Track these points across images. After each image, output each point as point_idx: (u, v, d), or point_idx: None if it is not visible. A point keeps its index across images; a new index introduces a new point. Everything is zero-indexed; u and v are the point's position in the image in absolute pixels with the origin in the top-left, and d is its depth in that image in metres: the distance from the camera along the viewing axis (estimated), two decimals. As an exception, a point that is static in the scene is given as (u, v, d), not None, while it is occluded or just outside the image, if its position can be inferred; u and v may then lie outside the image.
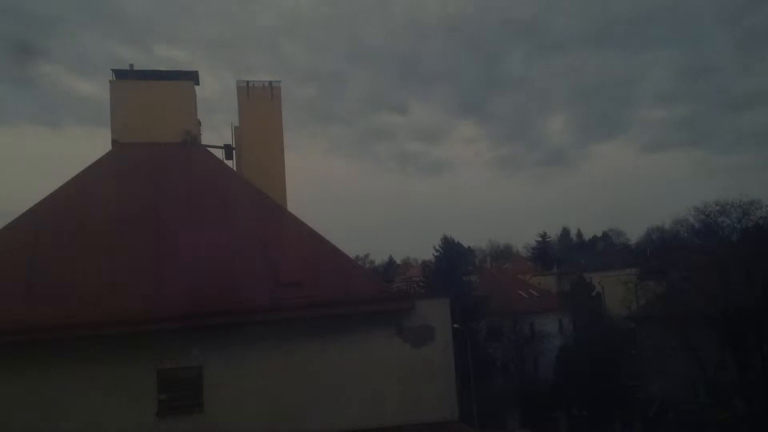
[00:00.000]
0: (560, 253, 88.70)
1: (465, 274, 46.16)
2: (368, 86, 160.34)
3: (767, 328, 23.72)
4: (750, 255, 24.52)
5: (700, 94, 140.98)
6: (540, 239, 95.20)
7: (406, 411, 12.44)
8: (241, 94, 18.79)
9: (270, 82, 19.07)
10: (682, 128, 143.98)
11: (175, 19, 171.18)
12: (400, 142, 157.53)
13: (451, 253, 47.56)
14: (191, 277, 12.69)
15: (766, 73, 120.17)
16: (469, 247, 71.83)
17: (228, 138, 19.34)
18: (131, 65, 18.22)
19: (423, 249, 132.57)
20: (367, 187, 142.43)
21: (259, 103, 18.79)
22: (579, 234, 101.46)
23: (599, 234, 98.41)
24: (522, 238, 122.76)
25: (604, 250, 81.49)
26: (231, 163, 18.67)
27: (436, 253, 48.96)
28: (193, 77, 18.59)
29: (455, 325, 15.63)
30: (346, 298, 12.72)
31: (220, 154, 18.64)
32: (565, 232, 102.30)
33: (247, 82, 18.87)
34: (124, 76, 17.91)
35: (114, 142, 16.85)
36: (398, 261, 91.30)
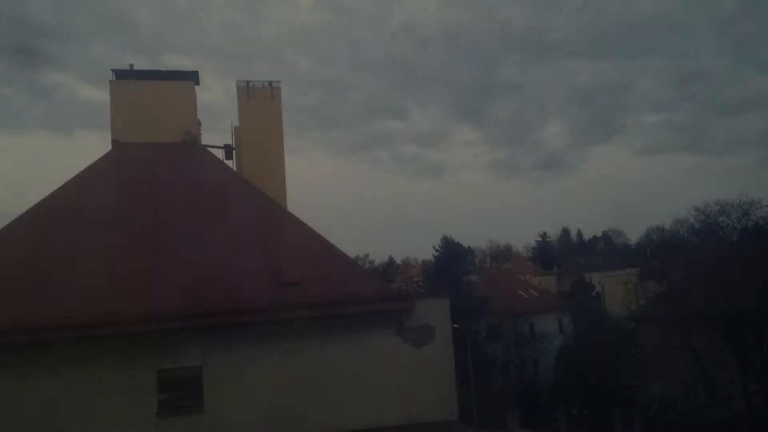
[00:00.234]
0: (560, 253, 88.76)
1: (465, 274, 46.13)
2: (368, 92, 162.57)
3: (767, 328, 23.72)
4: (750, 255, 24.52)
5: (693, 100, 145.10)
6: (540, 239, 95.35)
7: (406, 411, 12.43)
8: (241, 94, 18.75)
9: (270, 82, 19.04)
10: (677, 132, 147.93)
11: (182, 30, 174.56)
12: (400, 145, 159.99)
13: (451, 253, 47.55)
14: (191, 277, 12.69)
15: (757, 79, 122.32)
16: (469, 247, 71.74)
17: (228, 138, 19.37)
18: (131, 65, 18.21)
19: (423, 249, 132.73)
20: (367, 188, 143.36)
21: (259, 103, 18.74)
22: (579, 234, 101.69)
23: (599, 234, 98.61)
24: (522, 238, 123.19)
25: (604, 250, 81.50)
26: (231, 163, 18.67)
27: (436, 253, 48.98)
28: (193, 77, 18.59)
29: (455, 325, 15.62)
30: (346, 298, 12.70)
31: (220, 154, 18.66)
32: (565, 232, 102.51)
33: (247, 82, 18.83)
34: (124, 76, 17.90)
35: (114, 142, 16.85)
36: (398, 261, 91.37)
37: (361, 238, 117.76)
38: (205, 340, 12.01)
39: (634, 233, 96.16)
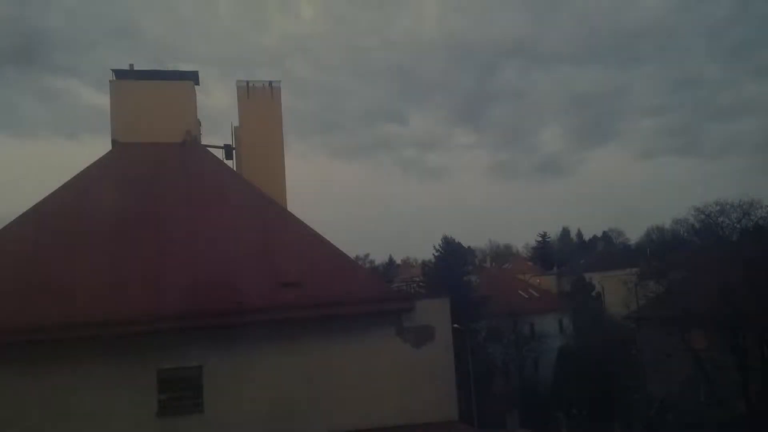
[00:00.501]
0: (560, 253, 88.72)
1: (465, 274, 46.03)
2: (369, 98, 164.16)
3: (767, 328, 23.70)
4: (750, 255, 24.50)
5: (687, 104, 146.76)
6: (540, 239, 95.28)
7: (406, 411, 12.44)
8: (241, 94, 18.76)
9: (270, 82, 19.06)
10: (672, 136, 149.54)
11: (187, 39, 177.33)
12: (400, 148, 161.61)
13: (451, 253, 47.44)
14: (191, 277, 12.69)
15: (750, 84, 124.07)
16: (469, 247, 71.83)
17: (228, 139, 19.37)
18: (131, 65, 18.17)
19: (423, 249, 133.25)
20: (367, 188, 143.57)
21: (259, 103, 18.77)
22: (579, 234, 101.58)
23: (599, 234, 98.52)
24: (522, 238, 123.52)
25: (604, 250, 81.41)
26: (231, 163, 18.67)
27: (436, 253, 48.86)
28: (193, 77, 18.57)
29: (455, 325, 15.61)
30: (346, 298, 12.71)
31: (220, 154, 18.66)
32: (565, 232, 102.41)
33: (247, 82, 18.84)
34: (124, 76, 17.89)
35: (114, 142, 16.86)
36: (398, 261, 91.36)
37: (361, 238, 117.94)
38: (205, 340, 12.01)
39: (634, 233, 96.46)
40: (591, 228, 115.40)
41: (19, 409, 11.02)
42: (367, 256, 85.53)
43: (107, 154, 16.48)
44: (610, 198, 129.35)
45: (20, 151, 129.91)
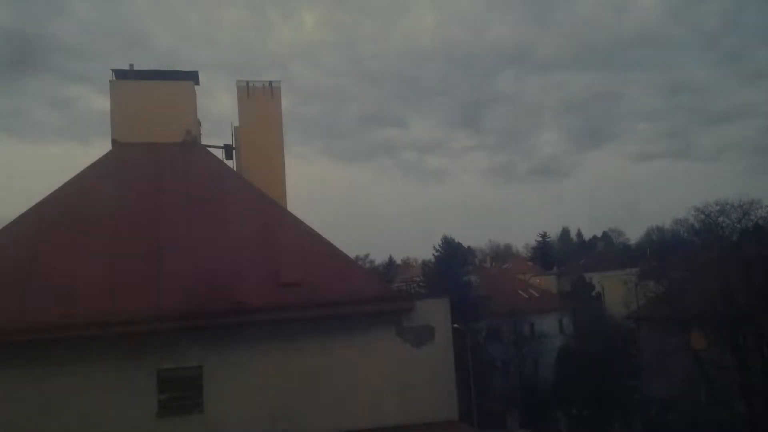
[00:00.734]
0: (560, 253, 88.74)
1: (465, 274, 46.03)
2: (370, 103, 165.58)
3: (767, 328, 23.69)
4: (750, 255, 24.49)
5: (681, 109, 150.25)
6: (540, 239, 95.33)
7: (406, 411, 12.44)
8: (241, 94, 18.73)
9: (270, 82, 19.02)
10: (667, 139, 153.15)
11: (191, 45, 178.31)
12: (400, 150, 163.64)
13: (451, 253, 47.46)
14: (191, 277, 12.70)
15: (742, 89, 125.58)
16: (469, 247, 71.73)
17: (228, 139, 19.34)
18: (131, 65, 18.14)
19: (423, 249, 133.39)
20: (367, 189, 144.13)
21: (259, 103, 18.74)
22: (579, 234, 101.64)
23: (599, 234, 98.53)
24: (522, 239, 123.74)
25: (604, 250, 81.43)
26: (231, 163, 18.65)
27: (436, 253, 48.88)
28: (193, 77, 18.54)
29: (455, 325, 15.60)
30: (346, 298, 12.71)
31: (220, 154, 18.63)
32: (565, 232, 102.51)
33: (247, 82, 18.80)
34: (124, 76, 17.85)
35: (114, 142, 16.83)
36: (398, 261, 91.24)
37: (361, 238, 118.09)
38: (205, 340, 12.01)
39: (634, 233, 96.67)
40: (591, 228, 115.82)
41: (19, 408, 11.02)
42: (367, 256, 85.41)
43: (107, 154, 16.46)
44: (609, 199, 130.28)
45: (32, 155, 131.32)
